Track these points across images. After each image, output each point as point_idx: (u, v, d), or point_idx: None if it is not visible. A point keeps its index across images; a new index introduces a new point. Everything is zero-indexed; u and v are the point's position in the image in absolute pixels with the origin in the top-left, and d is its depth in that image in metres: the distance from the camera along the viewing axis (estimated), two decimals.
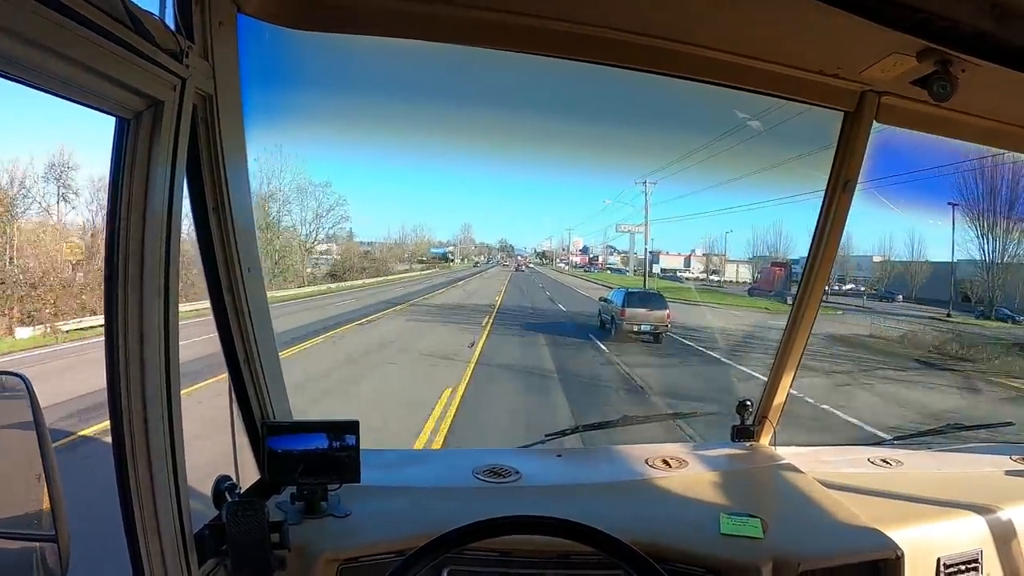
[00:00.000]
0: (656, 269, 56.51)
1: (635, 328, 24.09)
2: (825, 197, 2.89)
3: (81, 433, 9.64)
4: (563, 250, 71.42)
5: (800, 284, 3.12)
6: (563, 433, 3.42)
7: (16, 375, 1.64)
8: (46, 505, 1.60)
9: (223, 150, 2.02)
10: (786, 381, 3.18)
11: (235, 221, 2.11)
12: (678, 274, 56.94)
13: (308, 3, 2.08)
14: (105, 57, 1.47)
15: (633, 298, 25.54)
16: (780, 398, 3.21)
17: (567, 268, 67.11)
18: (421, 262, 62.23)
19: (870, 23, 1.82)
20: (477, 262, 67.41)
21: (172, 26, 1.78)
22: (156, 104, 1.69)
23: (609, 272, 61.15)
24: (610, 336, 24.27)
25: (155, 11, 1.72)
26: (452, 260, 65.46)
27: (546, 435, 3.32)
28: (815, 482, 2.78)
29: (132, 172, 1.68)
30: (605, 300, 27.60)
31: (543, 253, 73.48)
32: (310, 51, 2.37)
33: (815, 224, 2.97)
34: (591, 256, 67.06)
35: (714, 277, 56.00)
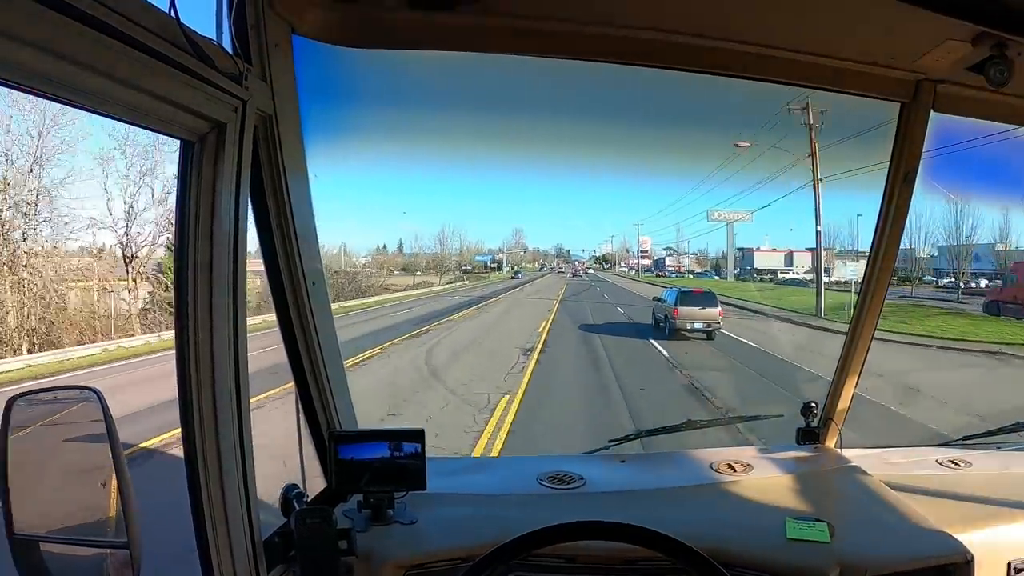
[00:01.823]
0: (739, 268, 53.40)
1: (688, 326, 24.28)
2: (885, 190, 2.82)
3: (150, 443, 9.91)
4: (626, 252, 68.36)
5: (863, 282, 3.05)
6: (626, 439, 3.42)
7: (90, 389, 1.69)
8: (118, 512, 1.65)
9: (284, 167, 2.08)
10: (851, 383, 3.12)
11: (298, 236, 2.17)
12: (779, 274, 53.67)
13: (359, 22, 2.13)
14: (170, 84, 1.54)
15: (686, 297, 25.51)
16: (845, 400, 3.15)
17: (633, 273, 63.87)
18: (464, 271, 61.12)
19: (922, 10, 1.80)
20: (517, 271, 63.88)
21: (230, 50, 1.84)
22: (219, 126, 1.75)
23: (691, 276, 56.75)
24: (664, 335, 24.53)
25: (213, 36, 1.79)
26: (497, 269, 63.88)
27: (609, 440, 3.31)
28: (882, 485, 2.72)
29: (199, 192, 1.75)
30: (659, 299, 27.61)
31: (603, 257, 70.28)
32: (362, 67, 2.41)
33: (876, 219, 2.90)
34: (656, 258, 63.91)
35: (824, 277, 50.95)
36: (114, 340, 21.19)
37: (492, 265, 63.97)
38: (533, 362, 19.24)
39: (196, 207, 1.74)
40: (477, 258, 63.87)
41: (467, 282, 58.86)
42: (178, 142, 1.75)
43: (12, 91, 1.32)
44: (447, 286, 55.66)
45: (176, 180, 1.77)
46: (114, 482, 1.64)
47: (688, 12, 2.19)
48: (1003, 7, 1.82)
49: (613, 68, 2.45)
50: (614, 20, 2.22)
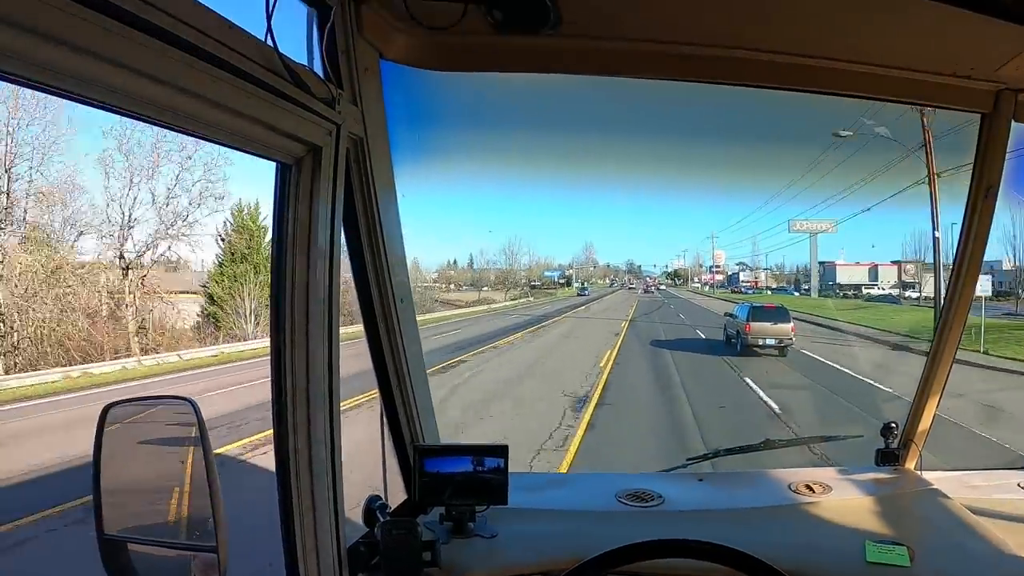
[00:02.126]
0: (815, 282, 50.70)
1: (760, 342, 23.92)
2: (967, 205, 2.74)
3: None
4: (699, 267, 66.17)
5: (946, 300, 2.95)
6: (704, 457, 3.42)
7: (185, 399, 1.77)
8: (208, 516, 1.72)
9: (375, 188, 2.15)
10: (932, 403, 3.03)
11: (388, 254, 2.24)
12: (863, 290, 51.36)
13: (445, 47, 2.19)
14: (269, 109, 1.61)
15: (758, 312, 25.02)
16: (927, 421, 3.07)
17: (707, 289, 61.95)
18: (532, 287, 60.37)
19: (1000, 21, 1.77)
20: (584, 287, 61.98)
21: (322, 75, 1.92)
22: (315, 149, 1.82)
23: (769, 292, 54.41)
24: (736, 351, 24.33)
25: (306, 62, 1.87)
26: (566, 285, 62.11)
27: (688, 459, 3.31)
28: (963, 509, 2.65)
29: (296, 213, 1.82)
30: (730, 315, 27.28)
31: (675, 272, 68.35)
32: (444, 89, 2.48)
33: (959, 235, 2.82)
34: (730, 273, 61.79)
35: (911, 293, 47.91)
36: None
37: (561, 281, 62.95)
38: (583, 427, 13.27)
39: (294, 226, 1.81)
40: (546, 273, 63.25)
41: (532, 299, 57.74)
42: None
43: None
44: (509, 303, 54.40)
45: (273, 201, 1.85)
46: (205, 487, 1.71)
47: (767, 30, 2.20)
48: None
49: (687, 86, 2.47)
50: (692, 39, 2.24)
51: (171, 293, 26.30)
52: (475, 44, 2.19)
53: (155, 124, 1.45)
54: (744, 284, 59.58)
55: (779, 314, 24.93)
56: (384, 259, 2.22)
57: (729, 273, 62.08)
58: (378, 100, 2.17)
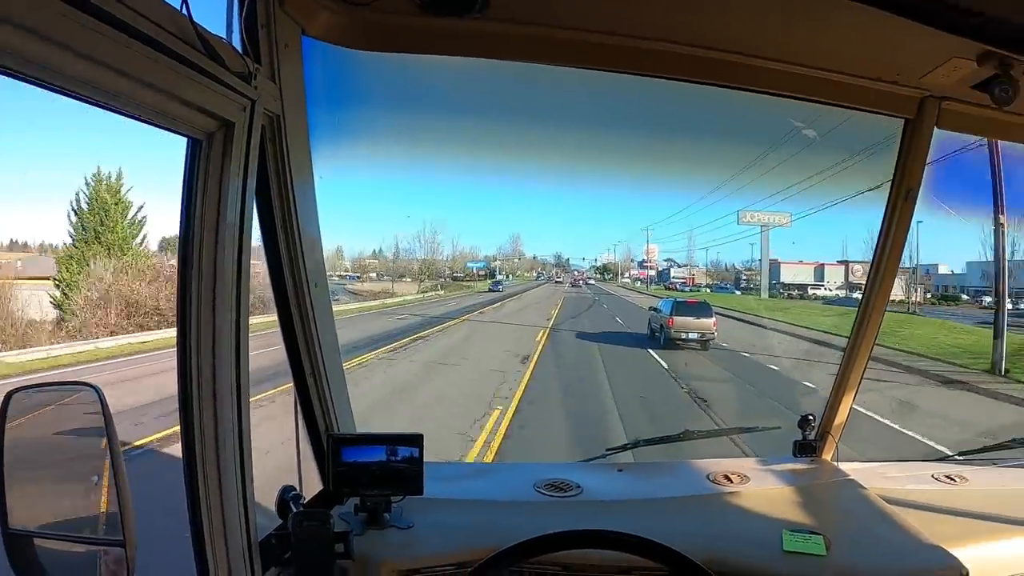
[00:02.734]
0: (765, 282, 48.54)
1: (682, 336, 24.43)
2: (887, 207, 2.83)
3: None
4: (630, 261, 63.51)
5: (863, 298, 3.05)
6: (623, 448, 3.42)
7: (89, 386, 1.69)
8: (114, 509, 1.65)
9: (291, 168, 2.08)
10: (849, 397, 3.12)
11: (302, 237, 2.17)
12: (809, 290, 48.86)
13: (369, 25, 2.13)
14: (180, 81, 1.54)
15: (681, 307, 25.88)
16: (843, 414, 3.15)
17: (639, 285, 58.87)
18: (455, 279, 57.57)
19: (928, 28, 1.81)
20: (497, 281, 56.55)
21: (240, 49, 1.84)
22: (227, 125, 1.75)
23: (708, 291, 51.19)
24: (660, 344, 24.58)
25: (223, 35, 1.79)
26: (489, 277, 58.58)
27: (606, 449, 3.31)
28: (879, 499, 2.72)
29: (205, 190, 1.75)
30: (655, 309, 27.78)
31: (604, 267, 66.01)
32: (369, 70, 2.42)
33: (878, 235, 2.91)
34: (660, 269, 58.93)
35: (859, 295, 46.91)
36: None
37: (481, 273, 59.66)
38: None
39: (202, 205, 1.75)
40: (469, 265, 60.36)
41: (441, 292, 53.78)
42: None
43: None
44: (411, 297, 49.80)
45: (183, 178, 1.77)
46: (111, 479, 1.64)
47: (697, 25, 2.20)
48: (1009, 27, 1.83)
49: (620, 77, 2.45)
50: (623, 30, 2.23)
51: (21, 280, 23.33)
52: (401, 24, 2.13)
53: (55, 91, 1.35)
54: (676, 280, 57.71)
55: (701, 309, 25.76)
56: (298, 242, 2.15)
57: (659, 269, 59.97)
58: (298, 77, 2.10)
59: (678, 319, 24.76)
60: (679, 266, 58.72)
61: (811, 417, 3.20)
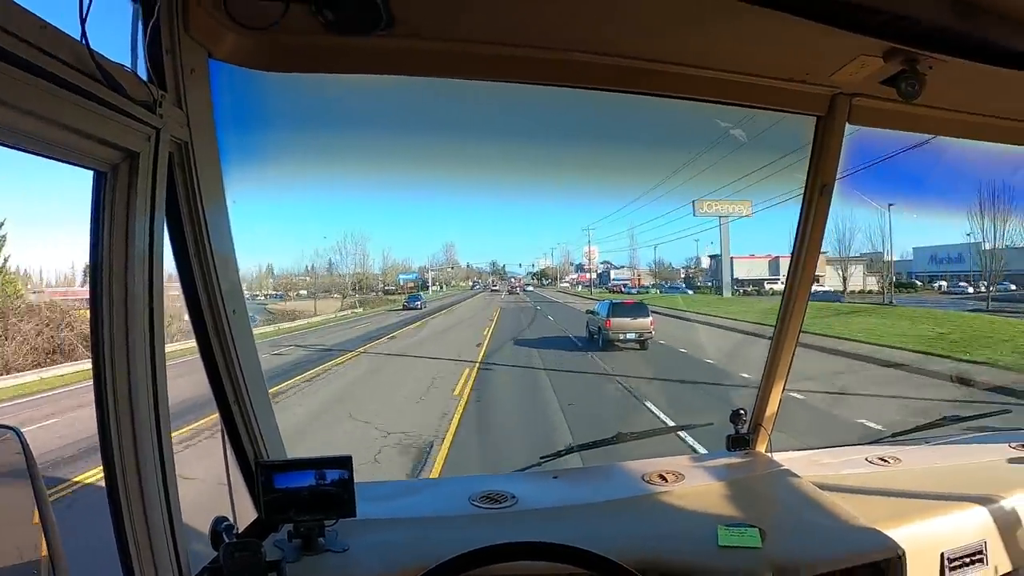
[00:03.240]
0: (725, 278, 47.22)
1: (620, 337, 24.90)
2: (803, 202, 2.92)
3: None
4: (569, 265, 63.12)
5: (784, 291, 3.14)
6: (558, 454, 3.41)
7: (9, 428, 1.64)
8: (44, 554, 1.60)
9: (201, 195, 2.03)
10: (778, 388, 3.19)
11: (217, 264, 2.12)
12: (766, 285, 47.46)
13: (276, 46, 2.10)
14: (77, 113, 1.50)
15: (617, 309, 26.31)
16: (773, 406, 3.23)
17: (580, 288, 57.58)
18: (386, 292, 56.08)
19: (834, 28, 1.85)
20: (414, 296, 50.77)
21: (144, 76, 1.80)
22: (131, 155, 1.72)
23: (657, 292, 50.27)
24: (598, 346, 25.20)
25: (126, 62, 1.75)
26: (422, 289, 56.54)
27: (541, 457, 3.30)
28: (813, 486, 2.78)
29: (112, 223, 1.71)
30: (592, 312, 28.48)
31: (542, 272, 65.52)
32: (281, 91, 2.38)
33: (796, 229, 2.99)
34: (599, 272, 58.10)
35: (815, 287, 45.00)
36: None
37: (411, 286, 57.76)
38: None
39: (110, 238, 1.71)
40: (401, 277, 59.52)
41: (360, 310, 50.89)
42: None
43: None
44: (318, 319, 45.69)
45: (91, 213, 1.72)
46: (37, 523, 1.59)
47: (607, 34, 2.22)
48: (911, 24, 1.88)
49: (537, 88, 2.46)
50: (531, 42, 2.23)
51: None
52: (307, 45, 2.10)
53: None
54: (619, 282, 56.44)
55: (638, 309, 26.16)
56: (212, 269, 2.11)
57: (599, 272, 59.61)
58: (206, 102, 2.06)
59: (615, 320, 25.19)
60: (616, 268, 58.46)
61: (742, 411, 3.27)
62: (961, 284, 41.45)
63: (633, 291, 52.89)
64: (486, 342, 28.10)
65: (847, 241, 43.88)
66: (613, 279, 57.87)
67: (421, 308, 49.02)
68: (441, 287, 62.23)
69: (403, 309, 48.38)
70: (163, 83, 1.87)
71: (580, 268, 61.33)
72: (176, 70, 1.92)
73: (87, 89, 1.51)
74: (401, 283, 59.11)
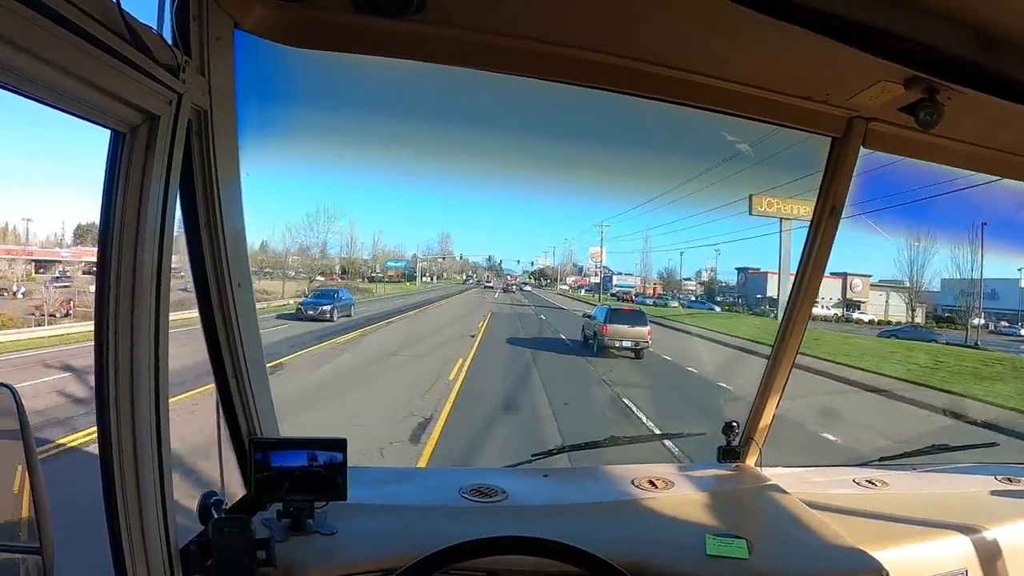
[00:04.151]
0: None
1: (616, 344, 24.18)
2: (812, 223, 2.93)
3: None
4: (573, 265, 58.11)
5: (786, 309, 3.15)
6: (550, 453, 3.43)
7: (3, 385, 1.62)
8: (29, 515, 1.59)
9: (217, 165, 2.03)
10: (772, 403, 3.20)
11: (227, 236, 2.11)
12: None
13: (304, 21, 2.09)
14: (103, 70, 1.48)
15: (616, 315, 25.46)
16: (766, 420, 3.23)
17: (582, 292, 52.52)
18: (371, 279, 51.06)
19: (858, 51, 1.85)
20: (326, 291, 35.02)
21: (170, 40, 1.79)
22: (152, 118, 1.70)
23: (680, 305, 44.14)
24: (593, 352, 24.44)
25: (153, 25, 1.74)
26: (409, 278, 52.41)
27: (532, 455, 3.30)
28: (800, 503, 2.79)
29: (126, 185, 1.70)
30: (588, 316, 27.68)
31: (541, 272, 60.58)
32: (302, 67, 2.37)
33: (802, 249, 3.00)
34: (606, 276, 52.08)
35: (859, 315, 40.29)
36: None
37: (388, 273, 53.04)
38: None
39: (123, 200, 1.69)
40: (389, 264, 54.96)
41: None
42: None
43: None
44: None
45: (105, 173, 1.71)
46: (27, 483, 1.58)
47: (636, 38, 2.22)
48: (935, 53, 1.89)
49: (559, 85, 2.46)
50: (560, 40, 2.23)
51: None
52: (335, 22, 2.09)
53: None
54: (622, 290, 50.16)
55: (636, 317, 25.37)
56: (222, 240, 2.10)
57: (601, 276, 53.57)
58: (228, 72, 2.05)
59: (612, 327, 24.42)
60: (617, 274, 53.38)
61: (735, 424, 3.27)
62: (1002, 324, 38.58)
63: (648, 302, 45.58)
64: (461, 373, 18.64)
65: (918, 265, 40.15)
66: (616, 285, 52.36)
67: (335, 318, 30.38)
68: (432, 279, 58.67)
69: (299, 317, 29.23)
70: (188, 49, 1.86)
71: (581, 270, 57.15)
72: (202, 37, 1.91)
73: (114, 47, 1.49)
74: (394, 270, 55.33)
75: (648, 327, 24.99)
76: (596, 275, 53.40)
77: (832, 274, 38.79)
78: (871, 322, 40.64)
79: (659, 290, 50.17)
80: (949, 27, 1.78)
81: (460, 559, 1.88)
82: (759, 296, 44.71)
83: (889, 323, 39.87)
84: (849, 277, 42.07)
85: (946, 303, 40.18)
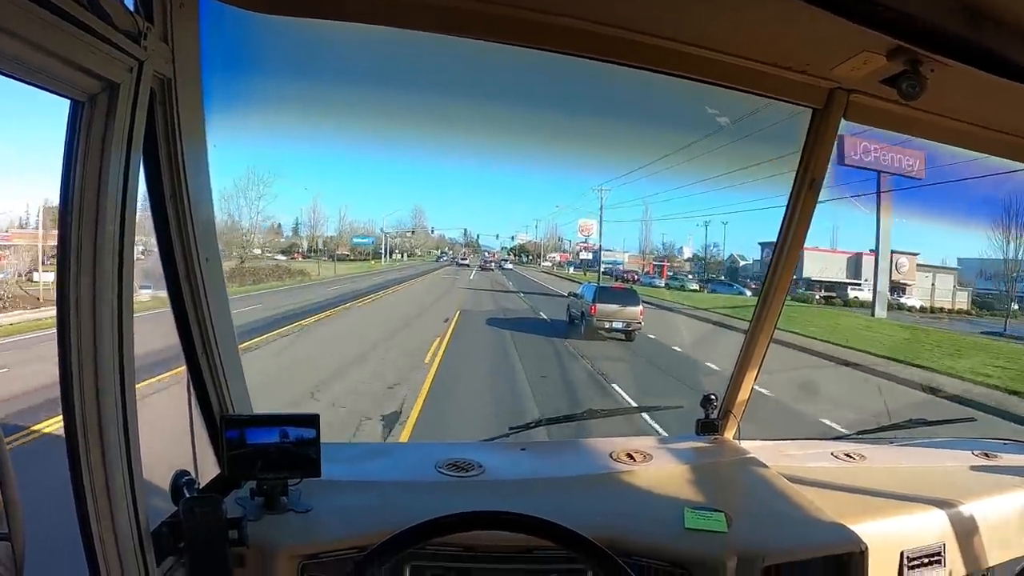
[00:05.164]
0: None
1: (606, 325, 22.39)
2: (791, 196, 2.90)
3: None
4: (559, 240, 54.75)
5: (764, 282, 3.13)
6: (527, 426, 3.42)
7: None
8: None
9: (181, 136, 1.97)
10: (750, 376, 3.20)
11: (193, 209, 2.06)
12: (850, 292, 35.84)
13: None
14: (58, 36, 1.43)
15: (605, 293, 23.68)
16: (744, 393, 3.24)
17: (572, 271, 48.74)
18: (333, 257, 47.92)
19: (841, 20, 1.82)
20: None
21: (131, 6, 1.73)
22: (111, 86, 1.65)
23: (700, 286, 38.07)
24: (579, 334, 22.46)
25: None
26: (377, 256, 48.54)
27: (510, 428, 3.30)
28: (779, 476, 2.80)
29: (86, 157, 1.64)
30: (575, 295, 25.91)
31: (522, 248, 58.40)
32: (270, 35, 2.31)
33: (781, 223, 2.98)
34: (582, 253, 48.02)
35: (906, 299, 35.19)
36: None
37: (359, 251, 50.34)
38: None
39: (83, 172, 1.64)
40: (355, 240, 52.78)
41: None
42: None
43: None
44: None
45: (65, 144, 1.65)
46: None
47: (613, 4, 2.17)
48: (920, 24, 1.85)
49: (537, 53, 2.41)
50: (536, 5, 2.17)
51: None
52: None
53: None
54: (615, 268, 44.33)
55: (627, 296, 23.67)
56: (188, 214, 2.05)
57: (593, 250, 49.47)
58: (193, 39, 1.98)
59: (601, 307, 22.52)
60: (606, 251, 48.25)
61: (713, 396, 3.29)
62: None
63: (658, 283, 40.28)
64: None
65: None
66: (606, 263, 46.87)
67: None
68: (402, 256, 55.67)
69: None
70: (150, 16, 1.80)
71: (569, 245, 52.93)
72: (165, 3, 1.85)
73: (70, 12, 1.44)
74: (357, 247, 52.76)
75: (640, 307, 23.15)
76: (586, 251, 49.35)
77: (872, 251, 35.14)
78: (923, 310, 35.74)
79: (663, 270, 44.40)
80: None
81: (434, 535, 1.86)
82: (796, 277, 36.36)
83: (940, 310, 35.33)
84: (894, 255, 36.00)
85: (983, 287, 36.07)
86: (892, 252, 34.89)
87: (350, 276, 42.65)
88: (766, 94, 2.61)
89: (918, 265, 37.63)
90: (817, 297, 37.46)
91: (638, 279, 41.86)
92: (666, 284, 41.34)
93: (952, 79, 2.13)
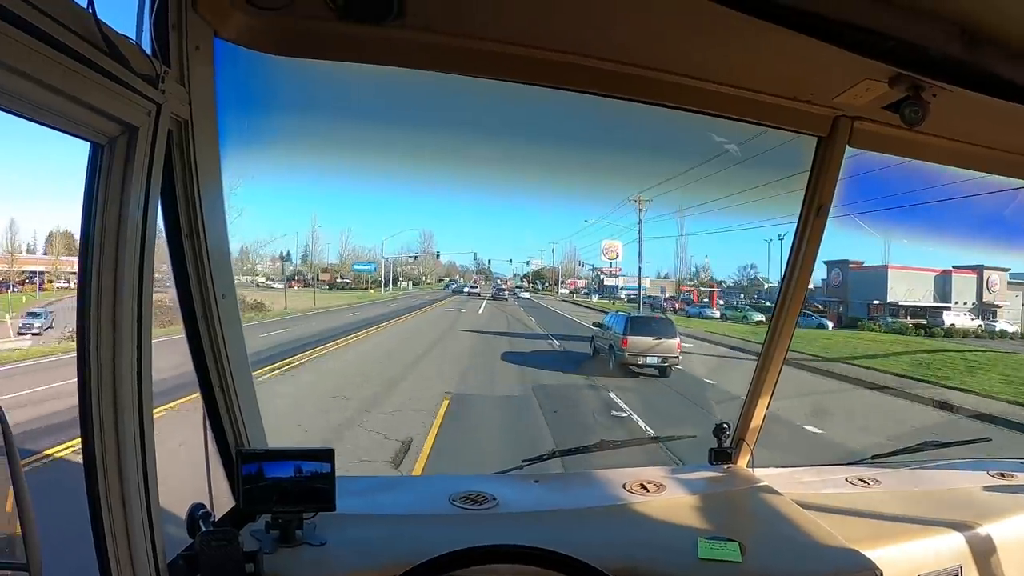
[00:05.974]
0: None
1: (639, 360, 19.44)
2: (799, 222, 2.93)
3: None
4: (579, 265, 49.84)
5: (775, 309, 3.15)
6: (540, 458, 3.41)
7: None
8: (17, 532, 1.57)
9: (198, 175, 2.01)
10: (763, 404, 3.20)
11: (209, 247, 2.10)
12: (945, 318, 29.60)
13: (283, 29, 2.07)
14: (79, 82, 1.47)
15: (638, 324, 20.57)
16: (757, 420, 3.23)
17: (595, 299, 43.38)
18: (332, 286, 47.18)
19: (842, 50, 1.85)
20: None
21: (148, 50, 1.78)
22: (131, 129, 1.69)
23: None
24: (608, 368, 19.68)
25: (131, 35, 1.72)
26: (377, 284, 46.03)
27: (523, 460, 3.30)
28: (793, 504, 2.79)
29: (106, 198, 1.68)
30: (600, 325, 22.81)
31: (538, 274, 53.48)
32: (285, 77, 2.36)
33: (790, 248, 3.00)
34: (600, 278, 42.71)
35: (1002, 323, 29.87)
36: None
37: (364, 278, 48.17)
38: None
39: (103, 213, 1.68)
40: (356, 267, 51.01)
41: None
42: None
43: None
44: None
45: (85, 186, 1.69)
46: (11, 499, 1.56)
47: (618, 39, 2.21)
48: (919, 51, 1.88)
49: (541, 89, 2.45)
50: (540, 43, 2.22)
51: None
52: (315, 30, 2.07)
53: None
54: (654, 299, 36.93)
55: (664, 327, 20.59)
56: (205, 252, 2.08)
57: (599, 279, 45.76)
58: (208, 81, 2.04)
59: (634, 339, 19.63)
60: (622, 276, 43.20)
61: (726, 425, 3.28)
62: None
63: (712, 312, 34.04)
64: None
65: None
66: (623, 289, 41.61)
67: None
68: (409, 285, 52.81)
69: None
70: (167, 59, 1.85)
71: (598, 272, 46.62)
72: (181, 47, 1.90)
73: (90, 58, 1.48)
74: (368, 274, 50.59)
75: (677, 339, 20.10)
76: (613, 274, 43.32)
77: (959, 268, 31.53)
78: None
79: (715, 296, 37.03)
80: (932, 24, 1.77)
81: (449, 569, 1.87)
82: (876, 301, 32.24)
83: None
84: (984, 271, 32.02)
85: None
86: (982, 267, 31.54)
87: (326, 310, 38.01)
88: (770, 124, 2.66)
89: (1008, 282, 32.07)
90: (910, 325, 31.20)
91: (682, 308, 35.52)
92: (722, 315, 35.57)
93: (954, 102, 2.16)
